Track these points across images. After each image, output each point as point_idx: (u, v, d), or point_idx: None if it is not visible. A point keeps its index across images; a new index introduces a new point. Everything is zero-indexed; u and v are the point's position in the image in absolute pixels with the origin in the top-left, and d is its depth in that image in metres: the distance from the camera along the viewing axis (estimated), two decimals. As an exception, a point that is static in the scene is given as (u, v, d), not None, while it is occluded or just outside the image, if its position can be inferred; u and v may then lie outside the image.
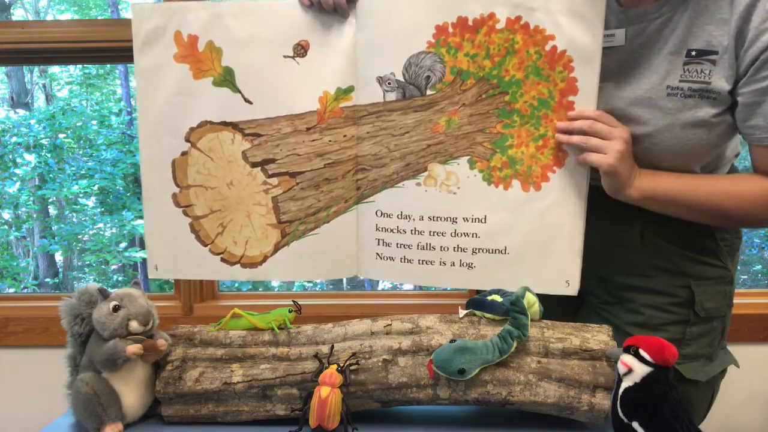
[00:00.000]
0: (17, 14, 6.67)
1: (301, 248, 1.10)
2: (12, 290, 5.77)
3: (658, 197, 0.94)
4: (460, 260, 1.04)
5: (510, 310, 0.88)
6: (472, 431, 0.91)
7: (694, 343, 1.03)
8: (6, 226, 6.03)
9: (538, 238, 1.01)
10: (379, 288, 7.38)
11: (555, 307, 1.00)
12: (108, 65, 6.39)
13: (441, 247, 1.04)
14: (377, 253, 1.09)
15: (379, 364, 0.89)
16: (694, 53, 0.90)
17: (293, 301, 0.99)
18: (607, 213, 1.01)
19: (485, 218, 1.02)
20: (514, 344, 0.86)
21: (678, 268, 1.03)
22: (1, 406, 1.72)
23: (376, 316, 0.96)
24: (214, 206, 1.10)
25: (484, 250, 1.03)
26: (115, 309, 0.89)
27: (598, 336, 0.90)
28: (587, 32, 0.93)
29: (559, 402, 0.86)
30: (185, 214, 1.10)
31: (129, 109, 6.61)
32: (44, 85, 6.67)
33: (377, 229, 1.07)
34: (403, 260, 1.07)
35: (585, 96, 0.96)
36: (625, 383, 0.80)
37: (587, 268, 1.02)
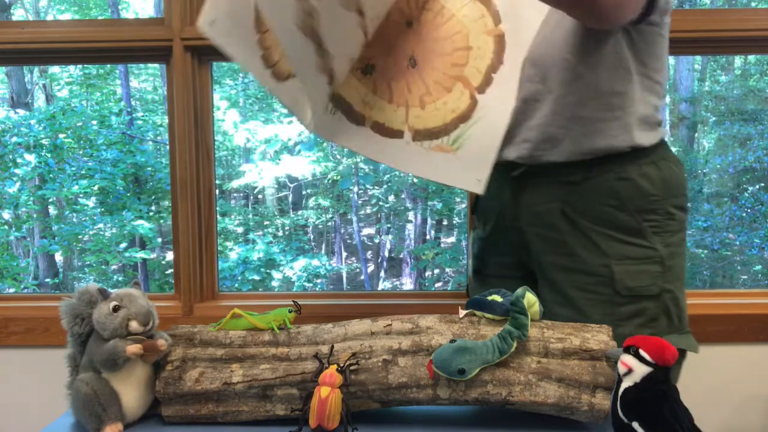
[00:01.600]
0: (17, 14, 6.67)
1: None
2: (12, 290, 5.77)
3: None
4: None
5: (510, 310, 0.88)
6: (472, 431, 0.91)
7: (628, 324, 1.02)
8: (6, 226, 6.03)
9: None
10: (379, 288, 7.38)
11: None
12: (108, 65, 6.39)
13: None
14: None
15: (379, 364, 0.89)
16: None
17: (293, 301, 0.99)
18: (532, 194, 1.07)
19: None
20: (514, 344, 0.86)
21: (598, 247, 1.03)
22: (1, 406, 1.72)
23: (376, 316, 0.96)
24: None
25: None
26: (115, 309, 0.89)
27: (598, 336, 0.90)
28: None
29: (559, 402, 0.86)
30: None
31: (129, 109, 6.61)
32: (44, 85, 6.68)
33: None
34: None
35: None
36: (625, 383, 0.80)
37: (524, 250, 1.09)
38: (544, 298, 1.08)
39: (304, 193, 8.00)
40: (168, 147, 1.71)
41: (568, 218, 1.05)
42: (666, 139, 1.08)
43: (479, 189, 1.07)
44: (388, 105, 1.10)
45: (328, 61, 1.03)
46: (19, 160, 5.86)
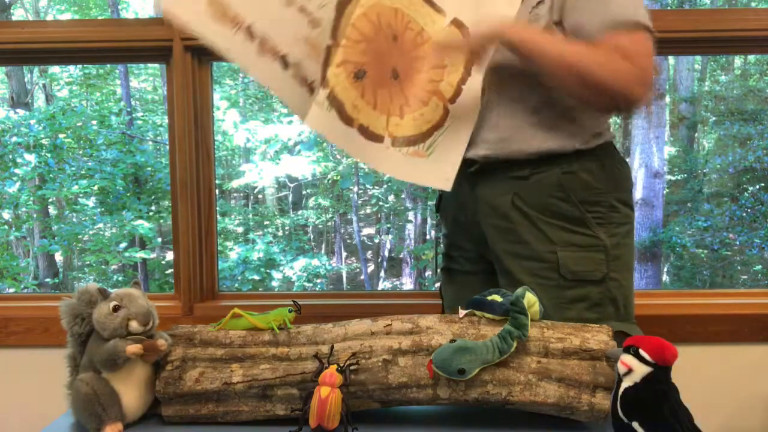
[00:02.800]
0: (17, 14, 6.68)
1: None
2: (12, 290, 5.77)
3: (531, 42, 1.03)
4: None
5: (510, 310, 0.88)
6: (472, 431, 0.91)
7: (573, 308, 1.07)
8: (6, 226, 6.03)
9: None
10: (379, 288, 7.39)
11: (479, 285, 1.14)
12: (108, 65, 6.39)
13: None
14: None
15: (379, 364, 0.89)
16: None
17: (293, 301, 0.99)
18: (486, 187, 1.15)
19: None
20: (514, 344, 0.86)
21: (545, 235, 1.10)
22: (1, 406, 1.72)
23: (376, 316, 0.96)
24: None
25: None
26: (115, 309, 0.89)
27: (598, 336, 0.90)
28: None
29: (559, 402, 0.86)
30: None
31: (129, 109, 6.61)
32: (44, 85, 6.68)
33: None
34: None
35: None
36: (625, 383, 0.80)
37: (485, 243, 1.17)
38: (500, 287, 1.12)
39: (304, 193, 8.00)
40: (168, 147, 1.71)
41: (518, 209, 1.12)
42: (612, 141, 1.16)
43: (447, 186, 1.15)
44: (372, 111, 1.17)
45: (297, 71, 1.14)
46: (19, 160, 5.86)
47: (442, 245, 1.35)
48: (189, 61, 1.62)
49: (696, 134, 7.77)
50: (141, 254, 6.09)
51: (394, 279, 7.68)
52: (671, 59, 6.97)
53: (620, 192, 1.12)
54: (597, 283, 1.08)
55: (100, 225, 6.23)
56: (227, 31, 1.11)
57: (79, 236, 6.26)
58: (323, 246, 8.32)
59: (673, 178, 7.50)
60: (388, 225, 7.96)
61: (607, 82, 0.99)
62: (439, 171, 1.17)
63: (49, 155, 5.89)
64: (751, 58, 7.66)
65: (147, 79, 7.48)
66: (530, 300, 0.90)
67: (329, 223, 8.03)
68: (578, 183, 1.09)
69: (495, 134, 1.13)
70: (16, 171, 5.86)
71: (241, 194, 8.11)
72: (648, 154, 5.75)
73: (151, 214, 6.30)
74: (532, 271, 1.10)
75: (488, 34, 1.05)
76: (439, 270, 1.38)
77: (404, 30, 1.19)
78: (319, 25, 1.14)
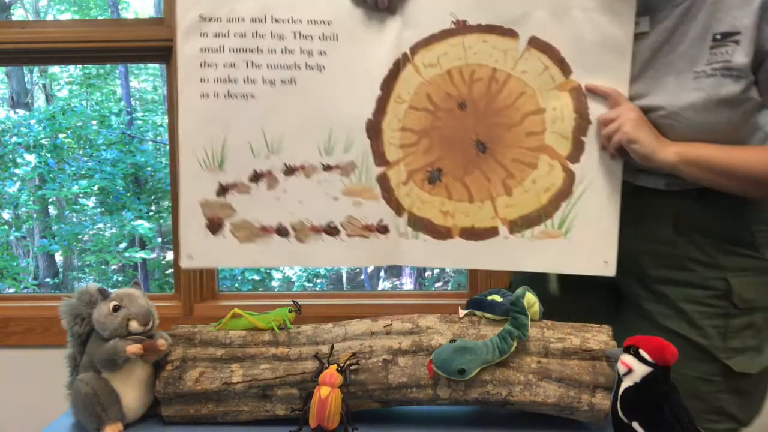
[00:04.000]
0: (17, 14, 6.67)
1: None
2: (12, 290, 5.76)
3: (696, 160, 0.93)
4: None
5: (510, 310, 0.88)
6: (472, 431, 0.91)
7: (739, 336, 1.00)
8: (6, 226, 6.03)
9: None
10: (379, 288, 7.39)
11: (595, 304, 1.02)
12: (108, 65, 6.38)
13: None
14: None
15: (379, 364, 0.89)
16: (719, 37, 0.91)
17: (293, 301, 0.99)
18: (639, 207, 1.02)
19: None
20: (514, 344, 0.86)
21: (713, 260, 1.01)
22: (1, 406, 1.72)
23: (376, 316, 0.96)
24: None
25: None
26: (115, 309, 0.89)
27: (598, 336, 0.90)
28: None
29: (559, 402, 0.86)
30: None
31: (129, 109, 6.61)
32: (44, 85, 6.67)
33: None
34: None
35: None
36: (625, 383, 0.80)
37: (623, 265, 1.02)
38: (646, 310, 1.06)
39: (304, 192, 7.98)
40: (168, 147, 1.71)
41: (681, 232, 1.02)
42: None
43: (611, 271, 1.00)
44: (470, 205, 1.01)
45: (352, 227, 1.03)
46: (19, 160, 5.85)
47: None
48: (189, 61, 1.62)
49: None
50: (141, 254, 6.09)
51: (394, 279, 7.68)
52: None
53: None
54: (763, 309, 1.02)
55: (100, 225, 6.22)
56: (261, 246, 1.03)
57: (79, 236, 6.26)
58: (323, 246, 8.29)
59: None
60: (388, 225, 7.93)
61: None
62: (590, 253, 1.00)
63: (49, 155, 5.89)
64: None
65: (147, 79, 7.47)
66: (530, 300, 0.90)
67: (329, 223, 8.01)
68: (747, 202, 0.99)
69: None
70: (16, 171, 5.86)
71: (241, 194, 8.09)
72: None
73: (151, 214, 6.29)
74: (697, 299, 1.01)
75: (640, 151, 0.92)
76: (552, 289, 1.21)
77: (470, 87, 1.00)
78: (354, 167, 1.02)
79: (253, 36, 1.02)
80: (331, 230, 1.03)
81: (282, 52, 1.02)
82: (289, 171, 1.03)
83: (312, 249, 1.04)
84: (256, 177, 1.04)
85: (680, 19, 0.94)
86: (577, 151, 0.99)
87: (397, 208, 1.02)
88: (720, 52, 0.92)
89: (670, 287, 1.04)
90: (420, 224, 1.01)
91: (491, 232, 1.01)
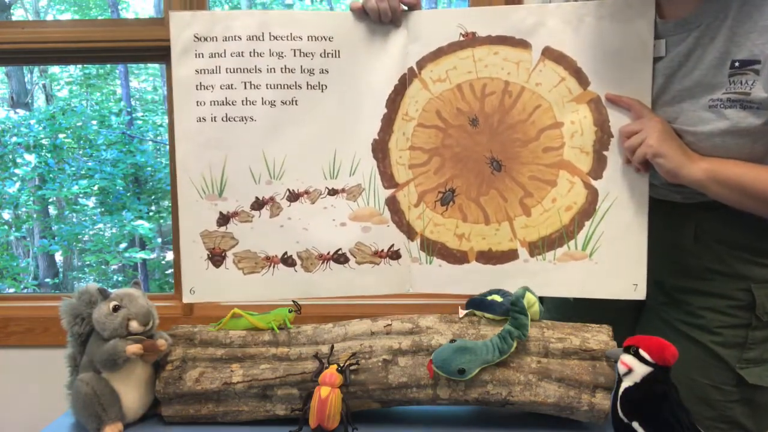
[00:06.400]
0: (17, 14, 6.67)
1: None
2: (12, 290, 5.77)
3: (724, 178, 0.89)
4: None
5: (510, 310, 0.88)
6: (472, 431, 0.91)
7: (758, 348, 0.98)
8: (6, 226, 6.03)
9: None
10: (379, 288, 7.35)
11: (616, 310, 0.99)
12: (108, 65, 6.38)
13: None
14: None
15: (379, 364, 0.89)
16: (737, 64, 0.87)
17: (293, 301, 0.99)
18: (660, 216, 0.99)
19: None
20: (514, 344, 0.86)
21: (735, 270, 0.98)
22: (1, 406, 1.72)
23: (376, 316, 0.96)
24: None
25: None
26: (115, 309, 0.89)
27: (598, 336, 0.90)
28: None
29: (559, 402, 0.86)
30: None
31: (129, 109, 6.61)
32: (44, 85, 6.67)
33: None
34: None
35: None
36: (625, 383, 0.80)
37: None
38: (668, 315, 1.04)
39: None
40: (168, 147, 1.71)
41: (701, 243, 0.99)
42: None
43: (640, 295, 0.96)
44: (486, 227, 0.96)
45: (362, 254, 1.00)
46: (19, 160, 5.86)
47: None
48: (189, 61, 1.62)
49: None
50: (141, 254, 6.09)
51: (394, 279, 7.67)
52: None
53: None
54: None
55: (100, 225, 6.22)
56: (266, 278, 1.01)
57: (79, 236, 6.26)
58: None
59: None
60: (388, 225, 7.94)
61: None
62: (618, 275, 0.94)
63: (49, 155, 5.89)
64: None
65: (147, 79, 7.47)
66: (530, 300, 0.90)
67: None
68: None
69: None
70: (16, 171, 5.87)
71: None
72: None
73: (151, 214, 6.30)
74: (719, 308, 0.99)
75: (666, 166, 0.88)
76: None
77: (482, 102, 0.95)
78: (361, 190, 0.99)
79: (251, 54, 0.98)
80: (340, 258, 1.00)
81: (282, 71, 0.98)
82: (293, 197, 0.99)
83: (320, 279, 1.01)
84: (258, 204, 1.00)
85: (696, 43, 0.90)
86: (599, 166, 0.94)
87: (409, 232, 0.98)
88: (739, 81, 0.87)
89: (689, 295, 1.02)
90: (434, 248, 0.98)
91: (510, 256, 0.97)
